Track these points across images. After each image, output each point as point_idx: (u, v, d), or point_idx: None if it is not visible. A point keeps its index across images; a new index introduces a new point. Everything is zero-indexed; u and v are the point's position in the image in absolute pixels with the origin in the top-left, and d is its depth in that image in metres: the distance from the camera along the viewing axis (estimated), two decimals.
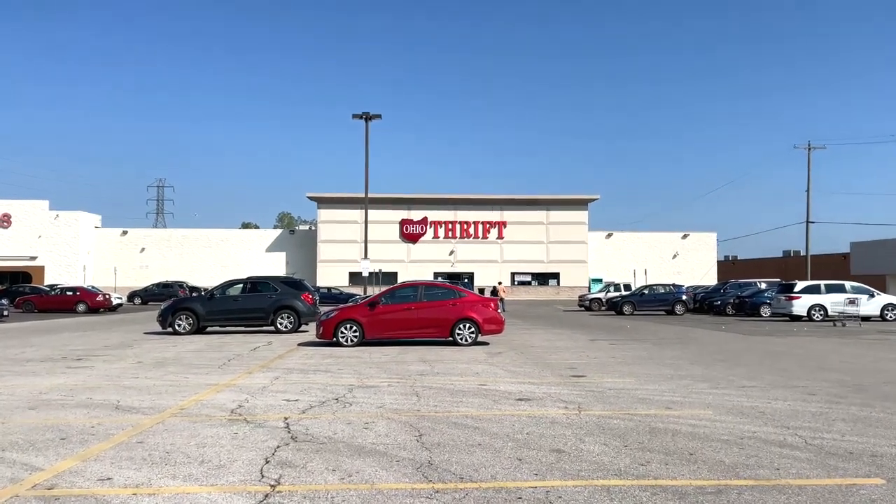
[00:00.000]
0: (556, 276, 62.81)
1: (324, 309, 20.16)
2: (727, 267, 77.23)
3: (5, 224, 59.79)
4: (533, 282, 62.95)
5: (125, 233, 64.32)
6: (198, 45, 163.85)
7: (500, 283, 44.50)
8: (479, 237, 62.41)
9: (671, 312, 34.97)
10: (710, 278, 62.91)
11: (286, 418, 7.48)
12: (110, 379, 10.73)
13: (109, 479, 5.09)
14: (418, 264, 60.46)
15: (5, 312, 30.68)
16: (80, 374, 11.27)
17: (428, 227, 62.09)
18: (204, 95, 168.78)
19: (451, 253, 62.04)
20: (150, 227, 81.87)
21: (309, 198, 62.77)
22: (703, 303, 36.99)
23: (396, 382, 10.31)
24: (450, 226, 62.31)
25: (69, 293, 40.12)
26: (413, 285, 17.77)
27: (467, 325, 16.39)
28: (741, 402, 8.58)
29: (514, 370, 11.91)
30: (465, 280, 56.21)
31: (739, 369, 12.03)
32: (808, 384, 10.14)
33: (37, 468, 5.37)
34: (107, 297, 40.46)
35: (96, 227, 64.00)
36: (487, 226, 62.46)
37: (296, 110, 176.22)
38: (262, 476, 5.20)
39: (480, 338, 16.71)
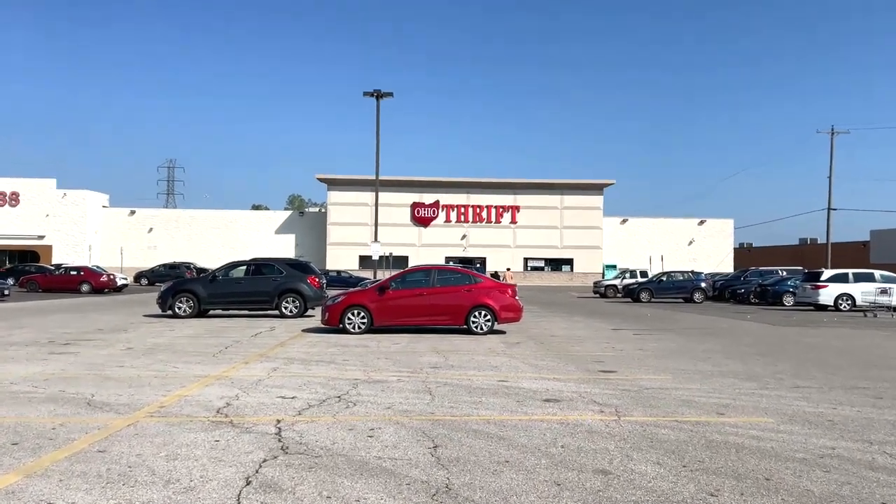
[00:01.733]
0: (569, 261, 61.61)
1: (331, 293, 19.15)
2: (742, 254, 75.71)
3: (13, 203, 59.18)
4: (546, 267, 61.81)
5: (133, 213, 63.61)
6: (208, 25, 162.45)
7: (508, 269, 43.42)
8: (491, 221, 61.23)
9: (689, 300, 33.79)
10: (726, 266, 61.56)
11: (279, 421, 6.45)
12: (92, 368, 9.76)
13: None
14: (430, 248, 59.42)
15: (6, 292, 29.95)
16: (62, 362, 10.31)
17: (440, 210, 60.96)
18: (215, 77, 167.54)
19: (464, 237, 60.92)
20: (160, 208, 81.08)
21: (319, 179, 61.74)
22: (723, 291, 35.77)
23: (407, 377, 9.27)
24: (462, 210, 61.13)
25: (73, 273, 39.42)
26: (425, 269, 16.71)
27: (483, 313, 15.32)
28: (802, 406, 7.47)
29: (535, 363, 10.84)
30: (478, 265, 55.16)
31: (783, 365, 10.91)
32: (869, 385, 9.01)
33: None
34: (111, 277, 39.72)
35: (104, 207, 63.32)
36: (501, 210, 61.23)
37: (306, 90, 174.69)
38: None
39: (496, 326, 15.66)
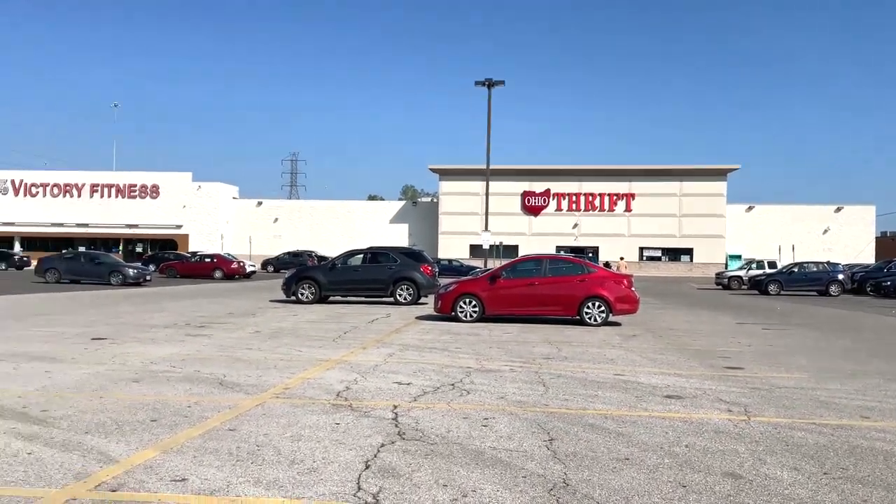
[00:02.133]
0: (688, 251, 59.07)
1: (443, 281, 19.35)
2: (886, 244, 69.54)
3: (154, 195, 64.03)
4: (663, 257, 59.59)
5: (260, 203, 67.14)
6: (323, 23, 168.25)
7: (621, 259, 42.18)
8: (604, 210, 59.73)
9: (824, 293, 31.46)
10: (866, 256, 56.80)
11: (395, 407, 6.56)
12: (224, 349, 10.36)
13: (184, 480, 4.33)
14: (540, 237, 58.84)
15: (148, 277, 32.48)
16: (197, 343, 11.01)
17: (551, 199, 60.18)
18: (334, 70, 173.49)
19: (575, 226, 59.85)
20: (284, 199, 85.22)
21: (431, 170, 62.60)
22: (863, 283, 33.02)
23: (519, 367, 9.18)
24: (574, 198, 60.04)
25: (207, 260, 42.16)
26: (536, 259, 16.50)
27: (597, 304, 14.94)
28: None
29: (654, 357, 10.44)
30: (590, 254, 53.98)
31: None
32: None
33: (111, 460, 4.72)
34: (241, 264, 42.16)
35: (234, 198, 67.23)
36: (614, 198, 59.59)
37: (418, 82, 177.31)
38: (359, 488, 4.25)
39: (611, 318, 15.24)
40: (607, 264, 40.35)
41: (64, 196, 64.09)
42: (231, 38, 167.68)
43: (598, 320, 14.91)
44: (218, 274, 40.46)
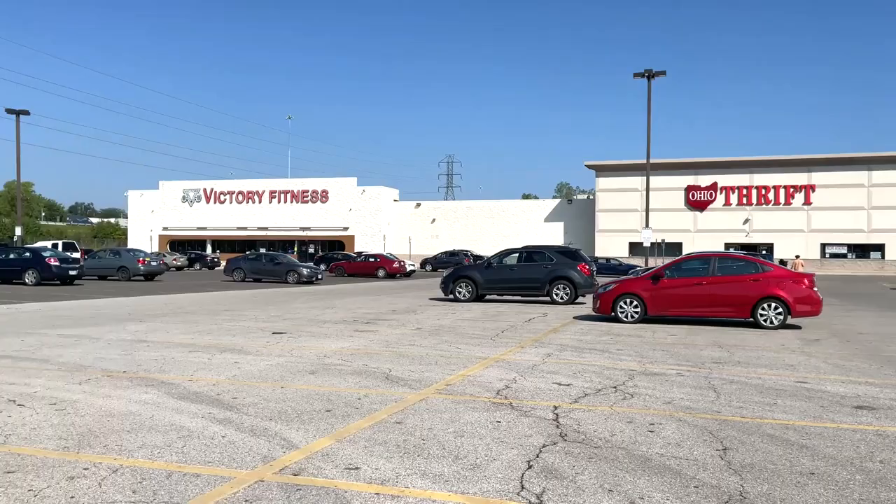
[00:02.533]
0: (879, 247, 53.21)
1: (602, 280, 18.91)
2: None
3: (323, 199, 68.36)
4: (849, 254, 54.12)
5: (418, 205, 69.47)
6: (477, 24, 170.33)
7: (797, 257, 38.84)
8: (779, 203, 55.31)
9: None
10: None
11: (555, 407, 6.51)
12: (388, 345, 10.83)
13: (357, 468, 4.57)
14: (706, 234, 55.68)
15: (319, 276, 34.75)
16: (364, 339, 11.61)
17: (718, 192, 56.72)
18: (488, 71, 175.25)
19: (746, 221, 55.97)
20: (441, 200, 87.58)
21: (587, 166, 61.36)
22: None
23: (687, 371, 8.75)
24: (744, 191, 56.17)
25: (371, 260, 44.33)
26: (704, 257, 15.62)
27: (773, 305, 13.87)
28: None
29: (840, 364, 9.51)
30: (764, 251, 50.32)
31: None
32: None
33: (293, 446, 5.10)
34: (402, 263, 43.90)
35: (395, 201, 70.11)
36: (791, 190, 55.01)
37: (571, 79, 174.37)
38: (522, 487, 4.26)
39: (789, 320, 14.09)
40: (782, 262, 37.34)
41: (247, 202, 70.20)
42: (388, 53, 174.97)
43: (775, 323, 13.84)
44: (381, 273, 42.39)
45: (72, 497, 3.98)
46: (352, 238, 66.62)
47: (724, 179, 56.52)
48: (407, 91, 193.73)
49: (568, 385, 7.66)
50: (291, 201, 68.90)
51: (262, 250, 56.08)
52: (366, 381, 7.73)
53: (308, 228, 67.94)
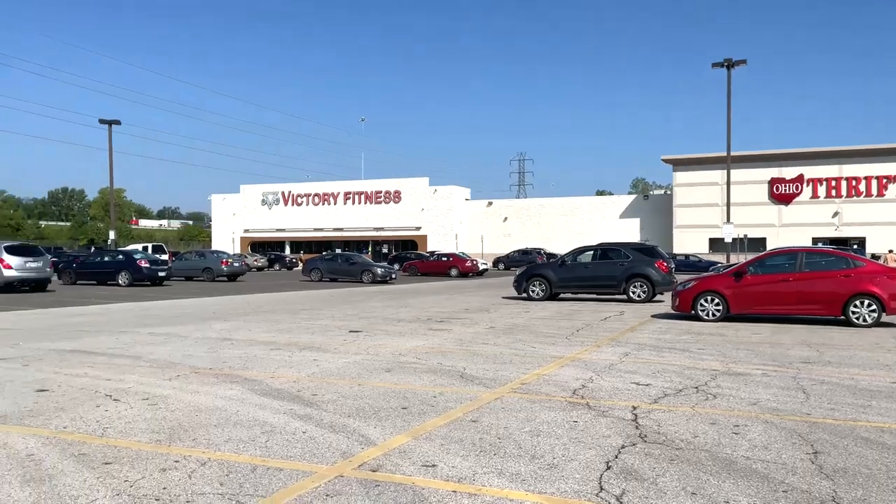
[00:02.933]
0: None
1: (680, 278, 18.38)
2: None
3: (396, 199, 69.24)
4: None
5: (490, 204, 69.39)
6: (542, 22, 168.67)
7: (890, 251, 36.63)
8: (871, 195, 52.28)
9: None
10: None
11: (634, 408, 6.37)
12: (462, 344, 10.87)
13: (434, 466, 4.61)
14: (792, 228, 53.23)
15: (393, 276, 35.24)
16: (438, 337, 11.69)
17: (804, 185, 54.12)
18: (556, 67, 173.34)
19: (835, 214, 53.18)
20: (513, 198, 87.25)
21: (664, 160, 59.74)
22: None
23: (773, 371, 8.40)
24: (832, 183, 53.37)
25: (444, 259, 44.60)
26: (790, 252, 14.96)
27: (867, 302, 13.15)
28: None
29: None
30: (855, 245, 47.74)
31: None
32: None
33: (370, 442, 5.19)
34: (475, 262, 43.98)
35: (466, 200, 70.26)
36: (884, 181, 51.89)
37: (649, 73, 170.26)
38: (601, 488, 4.19)
39: (884, 318, 13.32)
40: (874, 256, 35.33)
41: (322, 204, 71.88)
42: (458, 54, 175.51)
43: (868, 321, 13.12)
44: (454, 272, 42.58)
45: (164, 488, 4.17)
46: (424, 237, 67.17)
47: (811, 171, 53.88)
48: (477, 90, 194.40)
49: (647, 385, 7.49)
50: (365, 202, 70.08)
51: (338, 251, 57.28)
52: (441, 380, 7.78)
53: (381, 228, 68.95)
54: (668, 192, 64.79)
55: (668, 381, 7.74)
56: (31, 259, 24.41)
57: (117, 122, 43.71)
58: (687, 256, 48.08)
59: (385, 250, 67.00)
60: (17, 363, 8.81)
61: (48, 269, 25.39)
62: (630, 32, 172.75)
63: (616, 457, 4.83)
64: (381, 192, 69.55)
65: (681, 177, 58.09)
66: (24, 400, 6.63)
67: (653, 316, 15.77)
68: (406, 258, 50.26)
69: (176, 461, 4.69)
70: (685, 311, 14.69)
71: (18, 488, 4.15)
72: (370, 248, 68.15)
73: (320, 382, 7.57)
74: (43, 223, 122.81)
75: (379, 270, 34.57)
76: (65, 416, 5.99)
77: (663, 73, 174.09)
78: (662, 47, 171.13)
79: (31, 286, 24.82)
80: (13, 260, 23.74)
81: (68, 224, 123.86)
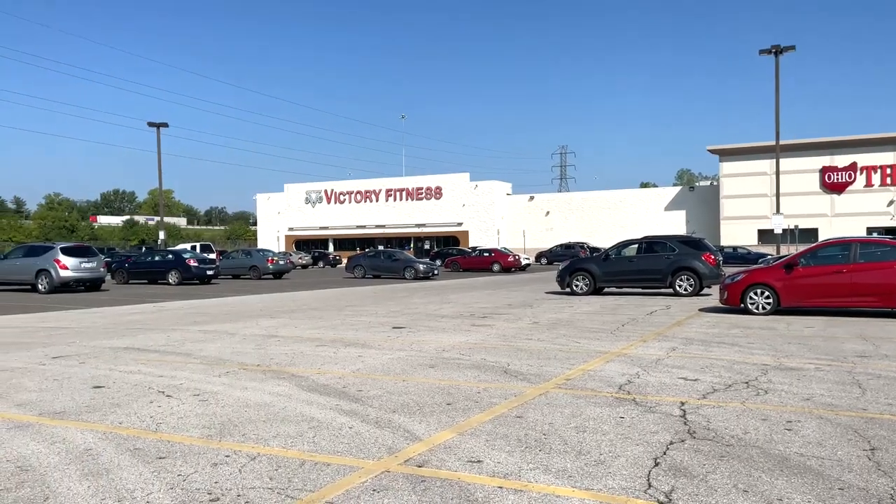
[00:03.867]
0: None
1: (729, 270, 17.99)
2: None
3: (437, 196, 69.40)
4: None
5: (532, 198, 69.00)
6: (583, 14, 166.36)
7: None
8: None
9: None
10: None
11: (682, 403, 6.26)
12: (506, 339, 10.84)
13: (479, 461, 4.61)
14: (845, 218, 51.59)
15: (435, 272, 35.33)
16: (481, 333, 11.68)
17: (857, 173, 52.40)
18: (597, 59, 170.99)
19: (891, 203, 51.37)
20: (554, 192, 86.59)
21: (710, 151, 58.53)
22: None
23: (827, 366, 8.16)
24: (887, 170, 51.58)
25: (486, 254, 44.53)
26: (843, 243, 14.49)
27: None
28: None
29: None
30: None
31: None
32: None
33: (416, 438, 5.21)
34: (517, 257, 43.80)
35: (507, 195, 70.02)
36: None
37: (690, 61, 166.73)
38: (650, 485, 4.13)
39: None
40: None
41: (364, 201, 72.51)
42: (497, 49, 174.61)
43: None
44: (496, 267, 42.47)
45: (216, 482, 4.27)
46: (466, 233, 67.19)
47: (865, 158, 52.10)
48: (518, 84, 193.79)
49: (695, 380, 7.35)
50: (407, 199, 70.42)
51: (380, 247, 57.72)
52: (484, 375, 7.77)
53: (423, 225, 69.21)
54: (715, 183, 63.46)
55: (717, 376, 7.59)
56: (85, 259, 25.23)
57: (165, 125, 44.81)
58: (735, 248, 47.04)
59: (427, 246, 67.24)
60: (74, 361, 9.13)
61: (102, 269, 26.21)
62: (672, 21, 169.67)
63: (664, 453, 4.76)
64: (422, 188, 69.78)
65: (728, 167, 56.84)
66: (81, 396, 6.86)
67: (700, 310, 15.47)
68: (448, 254, 50.33)
69: (227, 456, 4.80)
70: (734, 304, 14.38)
71: (78, 482, 4.30)
72: (412, 245, 68.47)
73: (365, 378, 7.64)
74: (96, 224, 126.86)
75: (421, 267, 34.70)
76: (120, 411, 6.18)
77: (708, 61, 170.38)
78: (706, 35, 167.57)
79: (86, 286, 25.67)
80: (69, 261, 24.57)
81: (120, 225, 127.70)
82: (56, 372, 8.26)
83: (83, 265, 25.00)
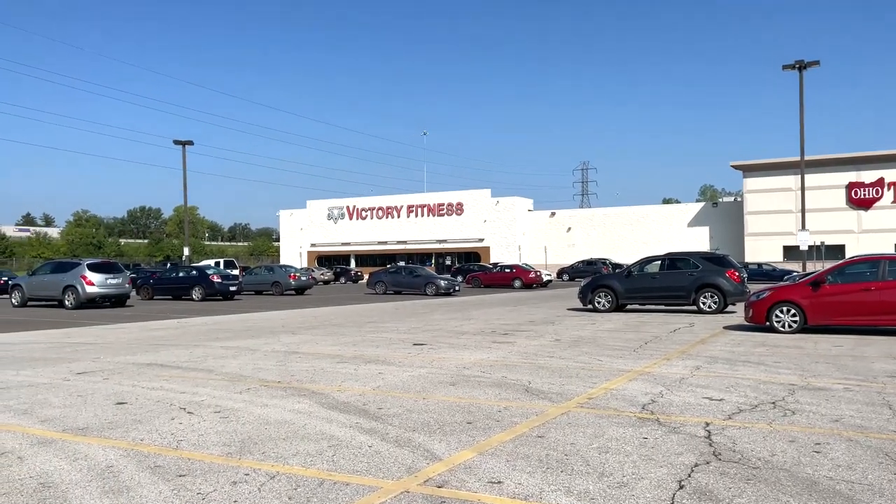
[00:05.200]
0: None
1: (754, 287, 17.73)
2: None
3: (458, 212, 69.47)
4: None
5: (553, 214, 68.78)
6: (602, 26, 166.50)
7: None
8: None
9: None
10: None
11: (707, 424, 6.14)
12: (527, 357, 10.75)
13: (500, 483, 4.55)
14: (872, 234, 50.72)
15: (457, 288, 35.28)
16: (502, 350, 11.60)
17: (885, 189, 51.58)
18: (618, 72, 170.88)
19: None
20: (576, 208, 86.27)
21: (733, 167, 57.98)
22: None
23: (856, 386, 7.97)
24: None
25: (507, 270, 44.40)
26: (871, 260, 14.21)
27: None
28: None
29: None
30: None
31: None
32: None
33: (436, 457, 5.17)
34: (538, 273, 43.59)
35: (529, 210, 69.87)
36: None
37: (713, 76, 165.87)
38: None
39: None
40: None
41: (386, 217, 72.81)
42: (517, 62, 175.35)
43: None
44: (517, 283, 42.31)
45: (234, 501, 4.26)
46: (487, 249, 67.08)
47: (893, 174, 51.26)
48: (538, 99, 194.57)
49: (720, 400, 7.22)
50: (428, 215, 70.57)
51: (402, 263, 57.81)
52: (505, 394, 7.71)
53: (444, 241, 69.25)
54: (739, 199, 62.80)
55: (742, 395, 7.45)
56: (111, 276, 25.57)
57: (190, 143, 45.47)
58: (760, 265, 46.41)
59: (448, 262, 67.21)
60: (98, 377, 9.21)
61: (127, 286, 26.55)
62: (695, 36, 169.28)
63: (689, 475, 4.66)
64: (443, 204, 69.92)
65: (751, 183, 56.25)
66: (104, 412, 6.91)
67: (725, 328, 15.25)
68: (469, 270, 50.24)
69: (246, 474, 4.79)
70: (759, 322, 14.15)
71: (98, 499, 4.31)
72: (433, 261, 68.49)
73: (385, 396, 7.62)
74: (123, 241, 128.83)
75: (442, 283, 34.68)
76: (141, 428, 6.21)
77: (730, 76, 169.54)
78: (728, 49, 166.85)
79: (112, 301, 26.00)
80: (95, 277, 24.92)
81: (146, 241, 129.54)
82: (80, 388, 8.35)
83: (109, 281, 25.34)
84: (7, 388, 8.36)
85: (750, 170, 56.37)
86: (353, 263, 72.32)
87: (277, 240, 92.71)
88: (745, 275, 20.78)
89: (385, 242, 72.25)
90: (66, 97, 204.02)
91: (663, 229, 62.02)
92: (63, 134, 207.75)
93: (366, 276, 47.07)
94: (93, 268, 25.38)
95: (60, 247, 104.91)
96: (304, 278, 36.77)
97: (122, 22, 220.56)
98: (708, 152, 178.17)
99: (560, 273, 55.09)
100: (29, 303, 26.49)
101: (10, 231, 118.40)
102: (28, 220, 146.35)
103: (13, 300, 26.69)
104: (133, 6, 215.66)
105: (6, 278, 34.63)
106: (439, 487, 4.45)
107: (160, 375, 9.24)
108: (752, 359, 10.33)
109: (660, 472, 4.74)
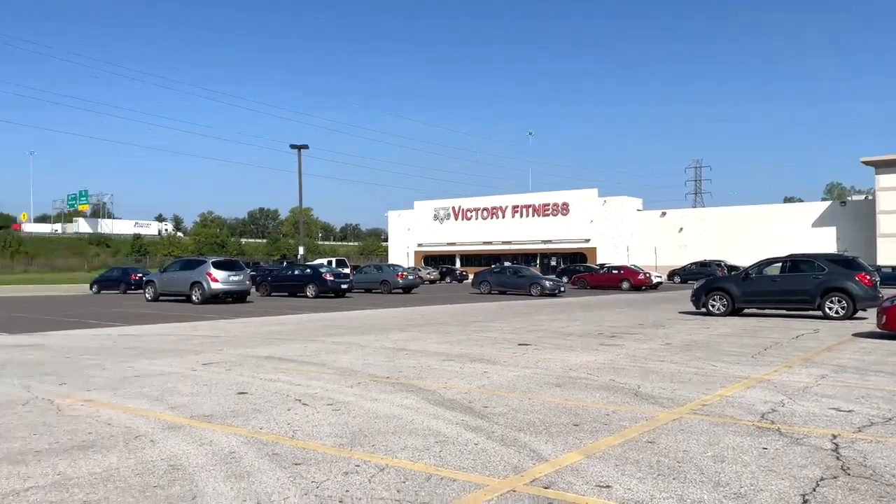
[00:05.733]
0: None
1: (887, 292, 16.39)
2: None
3: (564, 212, 68.56)
4: None
5: (663, 214, 66.49)
6: (719, 21, 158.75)
7: None
8: None
9: None
10: None
11: (835, 436, 5.74)
12: (636, 360, 10.46)
13: (608, 487, 4.46)
14: None
15: (562, 288, 34.86)
16: (610, 353, 11.35)
17: None
18: (734, 67, 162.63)
19: None
20: (688, 207, 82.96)
21: (864, 163, 53.82)
22: None
23: None
24: None
25: (615, 272, 43.36)
26: None
27: None
28: None
29: None
30: None
31: None
32: None
33: (542, 458, 5.13)
34: (647, 275, 42.30)
35: (637, 210, 67.92)
36: None
37: (838, 66, 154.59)
38: None
39: None
40: None
41: (491, 218, 72.98)
42: (628, 61, 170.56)
43: None
44: (625, 285, 41.22)
45: (346, 491, 4.41)
46: (593, 250, 65.79)
47: None
48: (648, 95, 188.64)
49: (849, 411, 6.73)
50: (533, 215, 70.10)
51: (506, 263, 57.72)
52: (613, 397, 7.53)
53: (549, 241, 68.54)
54: (870, 198, 58.22)
55: (874, 407, 6.91)
56: (233, 273, 27.15)
57: (306, 147, 47.42)
58: (894, 268, 42.82)
59: (553, 263, 66.46)
60: (221, 367, 9.81)
61: (248, 283, 28.10)
62: (820, 26, 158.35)
63: (814, 490, 4.38)
64: (548, 204, 69.23)
65: (885, 180, 52.01)
66: (226, 401, 7.35)
67: (854, 335, 14.19)
68: (575, 271, 49.48)
69: (357, 465, 4.95)
70: (893, 329, 13.06)
71: (222, 483, 4.59)
72: (538, 261, 67.94)
73: (490, 395, 7.64)
74: (244, 240, 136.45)
75: (547, 283, 34.34)
76: (260, 417, 6.55)
77: (859, 66, 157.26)
78: (860, 36, 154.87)
79: (233, 297, 27.58)
80: (219, 274, 26.55)
81: (264, 241, 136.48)
82: (206, 378, 8.91)
83: (231, 278, 26.91)
84: (142, 377, 9.05)
85: (883, 166, 52.12)
86: (458, 263, 72.98)
87: (386, 240, 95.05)
88: (878, 278, 19.24)
89: (490, 243, 72.41)
90: (192, 105, 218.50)
91: (784, 230, 58.49)
92: (191, 140, 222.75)
93: (471, 276, 47.36)
94: (217, 265, 27.04)
95: (188, 245, 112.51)
96: (410, 277, 37.51)
97: (244, 34, 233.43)
98: (834, 148, 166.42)
99: (671, 275, 53.19)
100: (160, 297, 28.57)
101: (133, 228, 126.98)
102: (160, 220, 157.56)
103: (147, 295, 28.91)
104: (254, 16, 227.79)
105: (141, 275, 37.58)
106: (546, 488, 4.42)
107: (277, 368, 9.71)
108: (884, 368, 9.56)
109: (781, 485, 4.48)
